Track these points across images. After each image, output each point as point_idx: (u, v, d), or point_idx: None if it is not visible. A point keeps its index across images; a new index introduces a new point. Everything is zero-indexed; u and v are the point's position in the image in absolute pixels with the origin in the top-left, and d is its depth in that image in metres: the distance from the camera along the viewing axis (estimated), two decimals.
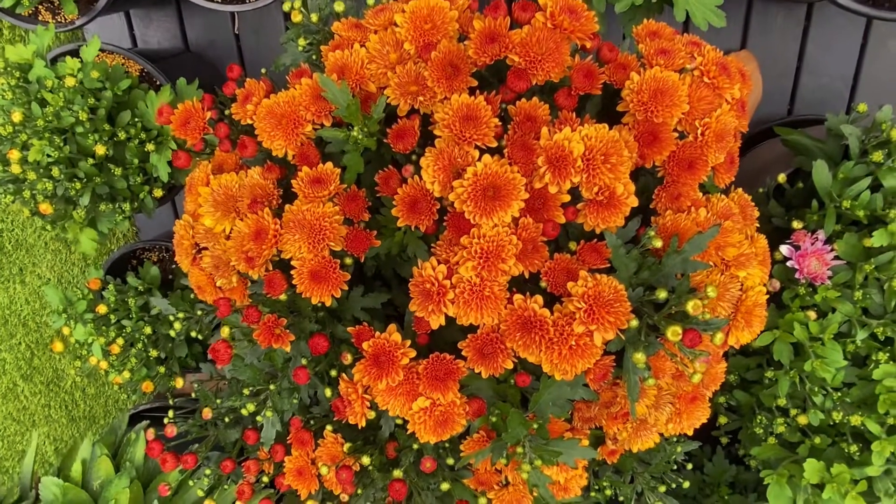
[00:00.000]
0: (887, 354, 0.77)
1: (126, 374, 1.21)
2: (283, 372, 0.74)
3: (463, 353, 0.60)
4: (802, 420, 0.84)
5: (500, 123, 0.58)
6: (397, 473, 0.67)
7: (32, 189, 1.01)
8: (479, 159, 0.56)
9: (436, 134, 0.58)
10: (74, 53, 1.18)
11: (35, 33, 1.04)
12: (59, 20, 1.19)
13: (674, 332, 0.54)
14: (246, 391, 0.72)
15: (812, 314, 0.81)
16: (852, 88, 1.34)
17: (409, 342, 0.61)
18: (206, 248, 0.72)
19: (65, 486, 1.00)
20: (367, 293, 0.70)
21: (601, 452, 0.78)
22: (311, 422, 0.77)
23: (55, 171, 1.00)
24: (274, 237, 0.61)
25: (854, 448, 0.79)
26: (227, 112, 0.77)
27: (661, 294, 0.56)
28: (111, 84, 1.05)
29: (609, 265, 0.59)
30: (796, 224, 0.84)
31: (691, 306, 0.55)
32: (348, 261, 0.62)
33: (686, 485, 0.80)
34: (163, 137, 1.07)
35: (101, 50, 1.25)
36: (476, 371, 0.60)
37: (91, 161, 1.02)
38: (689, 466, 0.85)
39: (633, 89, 0.65)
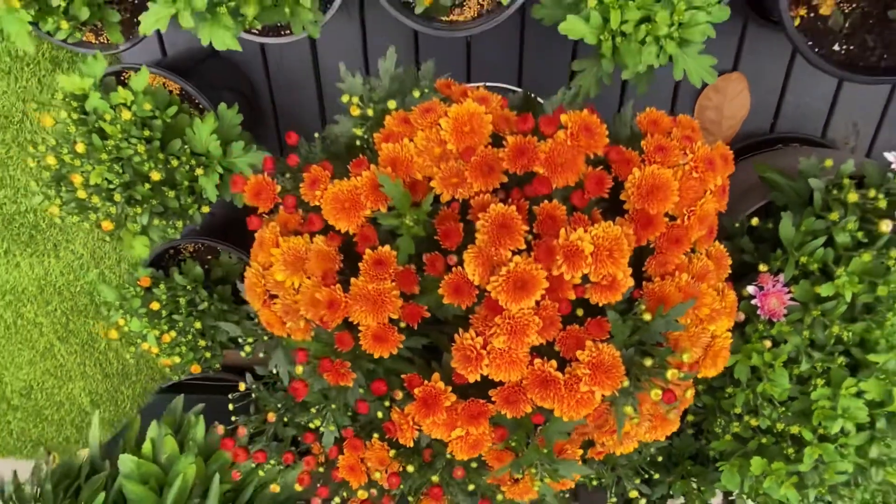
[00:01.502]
0: (823, 380, 0.96)
1: (176, 359, 1.38)
2: (340, 393, 0.92)
3: (492, 398, 0.78)
4: (753, 422, 1.05)
5: (528, 228, 0.73)
6: (435, 479, 0.86)
7: (96, 212, 1.13)
8: (511, 259, 0.71)
9: (477, 237, 0.72)
10: (116, 74, 1.26)
11: (86, 63, 1.13)
12: (101, 41, 1.26)
13: (655, 394, 0.72)
14: (312, 410, 0.90)
15: (767, 343, 0.99)
16: (831, 107, 1.47)
17: (450, 388, 0.78)
18: (275, 296, 0.88)
19: (139, 462, 1.20)
20: (410, 335, 0.86)
21: (590, 453, 0.98)
22: (360, 428, 0.95)
23: (117, 196, 1.12)
24: (344, 308, 0.76)
25: (791, 450, 1.00)
26: (286, 175, 0.90)
27: (648, 362, 0.74)
28: (160, 112, 1.15)
29: (609, 336, 0.76)
30: (762, 267, 1.01)
31: (670, 375, 0.72)
32: (402, 324, 0.78)
33: (656, 476, 1.01)
34: (209, 161, 1.18)
35: (135, 70, 1.32)
36: (502, 413, 0.77)
37: (148, 185, 1.14)
38: (660, 458, 1.05)
39: (634, 184, 0.79)
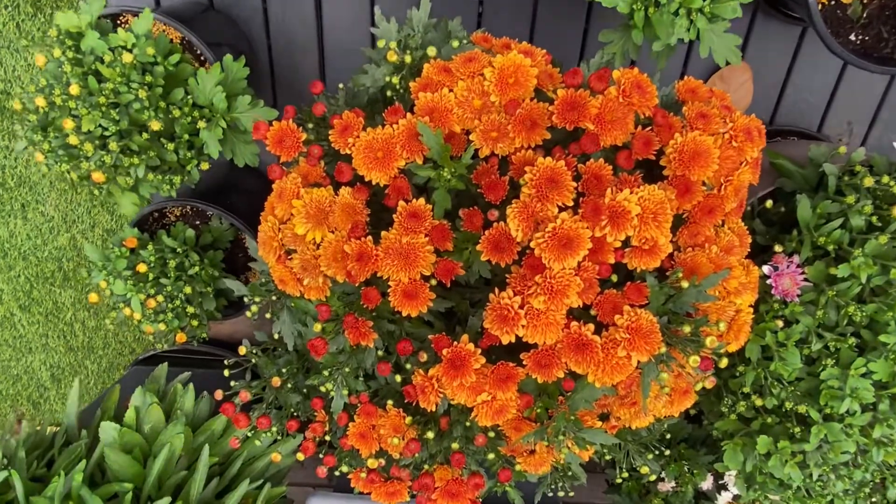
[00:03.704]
0: (833, 361, 0.97)
1: (162, 326, 1.31)
2: (353, 354, 0.88)
3: (524, 362, 0.75)
4: (759, 402, 1.05)
5: (576, 185, 0.70)
6: (455, 445, 0.83)
7: (88, 160, 1.05)
8: (557, 216, 0.68)
9: (523, 191, 0.69)
10: (111, 17, 1.18)
11: (85, 1, 1.05)
12: None
13: (694, 361, 0.71)
14: (325, 373, 0.85)
15: (780, 323, 1.00)
16: (828, 104, 1.50)
17: (479, 350, 0.75)
18: (293, 251, 0.83)
19: (122, 431, 1.12)
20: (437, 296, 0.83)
21: (604, 427, 0.96)
22: (372, 395, 0.91)
23: (112, 145, 1.04)
24: (375, 261, 0.72)
25: (797, 429, 1.01)
26: (310, 125, 0.85)
27: (687, 328, 0.72)
28: (162, 58, 1.08)
29: (646, 302, 0.74)
30: (777, 248, 1.02)
31: (709, 341, 0.71)
32: (433, 281, 0.75)
33: (667, 452, 1.01)
34: (213, 114, 1.12)
35: (135, 14, 1.25)
36: (533, 377, 0.75)
37: (146, 135, 1.07)
38: (668, 436, 1.05)
39: (676, 149, 0.77)
